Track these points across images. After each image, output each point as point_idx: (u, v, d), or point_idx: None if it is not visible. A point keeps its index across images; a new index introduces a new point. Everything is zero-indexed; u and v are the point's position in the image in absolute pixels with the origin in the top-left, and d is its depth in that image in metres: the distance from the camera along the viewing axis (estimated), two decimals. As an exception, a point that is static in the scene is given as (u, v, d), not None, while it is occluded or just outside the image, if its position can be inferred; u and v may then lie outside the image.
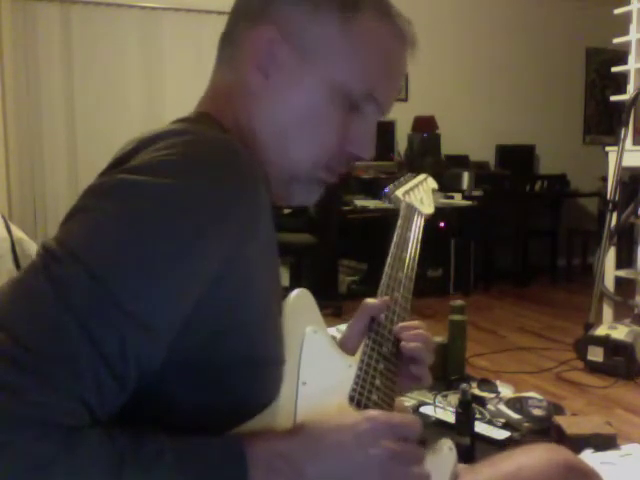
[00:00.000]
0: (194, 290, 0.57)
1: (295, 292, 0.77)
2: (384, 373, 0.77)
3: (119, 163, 0.60)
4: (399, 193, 1.08)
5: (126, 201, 0.56)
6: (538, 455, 0.92)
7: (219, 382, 0.62)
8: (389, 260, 0.92)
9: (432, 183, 1.20)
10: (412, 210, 1.05)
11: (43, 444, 0.48)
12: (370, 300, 0.85)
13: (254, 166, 0.63)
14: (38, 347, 0.50)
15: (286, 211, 4.39)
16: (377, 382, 0.75)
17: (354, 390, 0.73)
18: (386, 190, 1.08)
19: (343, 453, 0.60)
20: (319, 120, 0.72)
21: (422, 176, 1.19)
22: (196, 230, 0.56)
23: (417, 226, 1.01)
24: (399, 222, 1.01)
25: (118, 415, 0.55)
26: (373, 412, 0.65)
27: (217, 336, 0.60)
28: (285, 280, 4.43)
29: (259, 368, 0.65)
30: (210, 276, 0.58)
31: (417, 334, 0.81)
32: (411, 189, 1.11)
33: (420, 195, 1.11)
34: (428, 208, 1.09)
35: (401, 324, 0.83)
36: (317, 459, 0.59)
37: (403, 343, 0.80)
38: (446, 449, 0.82)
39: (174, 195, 0.56)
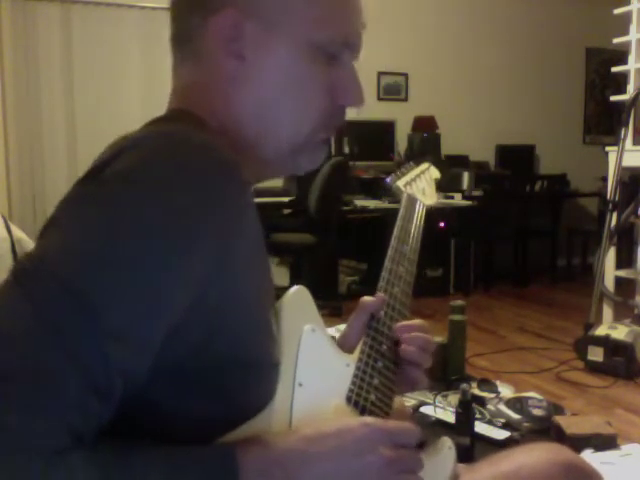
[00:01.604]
0: (178, 296, 0.55)
1: (293, 289, 0.76)
2: (382, 372, 0.75)
3: (96, 171, 0.59)
4: (400, 184, 1.05)
5: (100, 213, 0.54)
6: (538, 454, 0.91)
7: (211, 387, 0.60)
8: (389, 253, 0.89)
9: (435, 172, 1.16)
10: (413, 202, 1.01)
11: (25, 470, 0.47)
12: (368, 297, 0.84)
13: (234, 165, 0.61)
14: (15, 369, 0.48)
15: (286, 211, 4.39)
16: (375, 381, 0.74)
17: (351, 390, 0.72)
18: (387, 181, 1.05)
19: (339, 459, 0.59)
20: (305, 84, 0.71)
21: (424, 165, 1.16)
22: (174, 238, 0.55)
23: (418, 218, 0.98)
24: (400, 214, 0.97)
25: (107, 426, 0.53)
26: (370, 418, 0.64)
27: (207, 340, 0.59)
28: (285, 280, 4.42)
29: (252, 371, 0.63)
30: (194, 280, 0.56)
31: (415, 337, 0.79)
32: (413, 180, 1.08)
33: (422, 185, 1.08)
34: (430, 199, 1.06)
35: (402, 323, 0.81)
36: (312, 464, 0.58)
37: (402, 347, 0.78)
38: (446, 448, 0.81)
39: (148, 204, 0.55)
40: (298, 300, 0.76)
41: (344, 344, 0.81)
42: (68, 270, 0.52)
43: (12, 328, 0.50)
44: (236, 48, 0.69)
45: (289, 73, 0.70)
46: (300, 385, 0.68)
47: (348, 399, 0.71)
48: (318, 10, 0.70)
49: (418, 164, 1.16)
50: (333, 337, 0.80)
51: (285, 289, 0.72)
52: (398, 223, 0.95)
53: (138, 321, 0.53)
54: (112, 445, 0.52)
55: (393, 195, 1.06)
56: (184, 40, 0.73)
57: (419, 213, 0.99)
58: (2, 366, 0.48)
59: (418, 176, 1.10)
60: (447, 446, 0.81)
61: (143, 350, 0.54)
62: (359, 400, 0.71)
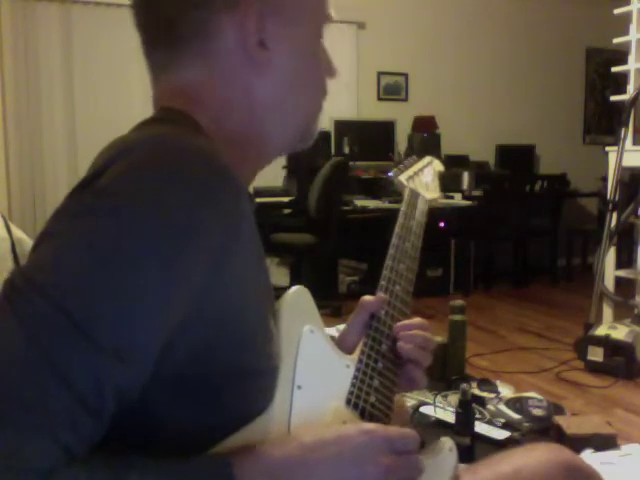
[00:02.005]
0: (175, 309, 0.54)
1: (292, 289, 0.75)
2: (383, 372, 0.75)
3: (89, 180, 0.57)
4: (403, 178, 1.03)
5: (93, 228, 0.53)
6: (538, 455, 0.91)
7: (209, 394, 0.59)
8: (390, 251, 0.88)
9: (438, 166, 1.14)
10: (416, 196, 1.00)
11: None
12: (368, 297, 0.83)
13: (230, 170, 0.60)
14: (5, 390, 0.47)
15: (286, 211, 4.39)
16: (375, 383, 0.73)
17: (351, 393, 0.71)
18: (390, 174, 1.04)
19: (339, 467, 0.58)
20: (314, 78, 0.75)
21: (428, 159, 1.14)
22: (168, 249, 0.53)
23: (421, 213, 0.96)
24: (402, 209, 0.96)
25: (101, 440, 0.52)
26: (370, 425, 0.63)
27: (207, 348, 0.58)
28: (285, 280, 4.43)
29: (251, 377, 0.62)
30: (191, 290, 0.55)
31: (414, 335, 0.79)
32: (415, 173, 1.06)
33: (425, 179, 1.06)
34: (432, 193, 1.04)
35: (401, 322, 0.80)
36: (311, 472, 0.57)
37: (399, 344, 0.77)
38: (446, 449, 0.80)
39: (142, 218, 0.53)
40: (297, 300, 0.75)
41: (343, 344, 0.81)
42: (58, 288, 0.50)
43: (2, 347, 0.49)
44: (259, 40, 0.69)
45: (301, 70, 0.72)
46: (299, 388, 0.67)
47: (347, 401, 0.70)
48: (318, 1, 0.74)
49: (422, 157, 1.15)
50: (333, 337, 0.79)
51: (285, 289, 0.71)
52: (399, 220, 0.93)
53: (131, 339, 0.52)
54: (105, 460, 0.51)
55: (395, 189, 1.05)
56: (181, 37, 0.70)
57: (421, 208, 0.98)
58: None
59: (421, 170, 1.09)
60: (447, 447, 0.80)
61: (137, 367, 0.53)
62: (359, 402, 0.70)
